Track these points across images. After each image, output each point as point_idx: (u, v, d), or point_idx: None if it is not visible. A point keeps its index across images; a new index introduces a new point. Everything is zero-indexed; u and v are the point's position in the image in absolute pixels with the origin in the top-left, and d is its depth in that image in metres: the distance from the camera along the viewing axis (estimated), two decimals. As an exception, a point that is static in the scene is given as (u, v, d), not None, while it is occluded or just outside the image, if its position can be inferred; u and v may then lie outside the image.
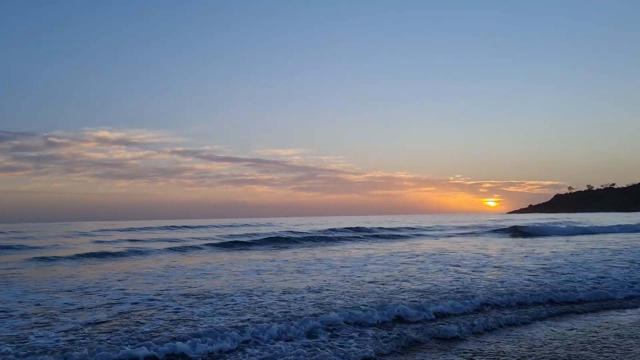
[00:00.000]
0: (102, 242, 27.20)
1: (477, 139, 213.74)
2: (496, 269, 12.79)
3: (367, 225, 39.21)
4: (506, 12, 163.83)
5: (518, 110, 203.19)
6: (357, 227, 35.06)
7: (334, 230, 33.00)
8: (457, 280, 10.57)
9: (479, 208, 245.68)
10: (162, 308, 7.97)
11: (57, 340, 6.07)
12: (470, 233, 33.19)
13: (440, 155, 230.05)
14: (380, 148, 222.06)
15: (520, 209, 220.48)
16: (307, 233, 30.48)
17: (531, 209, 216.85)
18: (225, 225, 50.92)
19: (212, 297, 8.92)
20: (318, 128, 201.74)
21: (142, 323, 6.93)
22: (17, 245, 23.34)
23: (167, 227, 46.14)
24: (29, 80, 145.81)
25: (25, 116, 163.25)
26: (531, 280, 10.46)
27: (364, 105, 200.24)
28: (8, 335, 6.36)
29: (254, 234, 30.57)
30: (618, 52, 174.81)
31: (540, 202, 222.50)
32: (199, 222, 68.57)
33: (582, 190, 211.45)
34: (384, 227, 39.00)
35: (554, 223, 42.71)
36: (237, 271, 13.11)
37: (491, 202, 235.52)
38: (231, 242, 24.32)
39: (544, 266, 13.10)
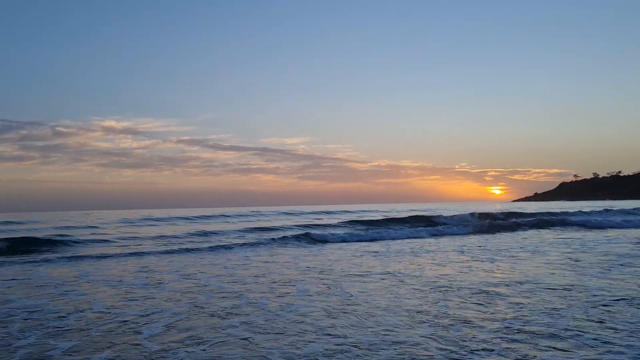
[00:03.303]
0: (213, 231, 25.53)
1: (482, 127, 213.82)
2: None
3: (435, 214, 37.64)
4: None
5: (523, 98, 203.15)
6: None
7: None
8: None
9: (484, 196, 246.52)
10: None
11: None
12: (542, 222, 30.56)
13: (445, 144, 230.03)
14: (386, 137, 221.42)
15: (526, 197, 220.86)
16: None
17: (537, 197, 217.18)
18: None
19: None
20: (324, 117, 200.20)
21: None
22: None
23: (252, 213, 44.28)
24: (36, 69, 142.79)
25: (32, 106, 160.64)
26: None
27: (369, 94, 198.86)
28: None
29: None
30: (625, 39, 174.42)
31: (546, 190, 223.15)
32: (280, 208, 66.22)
33: (588, 178, 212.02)
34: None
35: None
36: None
37: (496, 190, 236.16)
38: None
39: None
